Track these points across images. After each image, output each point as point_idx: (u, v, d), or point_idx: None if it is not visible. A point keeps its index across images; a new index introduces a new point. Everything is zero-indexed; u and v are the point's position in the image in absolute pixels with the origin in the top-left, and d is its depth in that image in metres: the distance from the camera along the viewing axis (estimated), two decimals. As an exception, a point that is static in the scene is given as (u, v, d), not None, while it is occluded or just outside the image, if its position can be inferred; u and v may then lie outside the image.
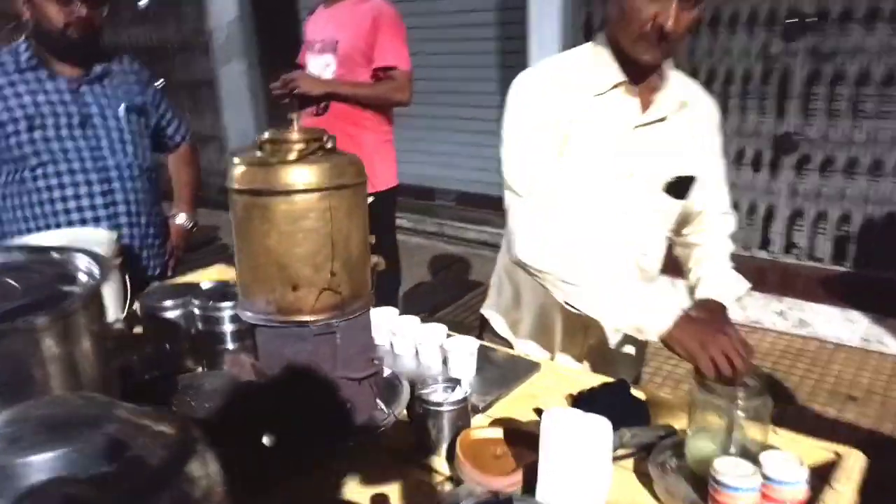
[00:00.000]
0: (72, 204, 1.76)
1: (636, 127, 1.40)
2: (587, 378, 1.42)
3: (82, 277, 0.88)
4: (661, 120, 1.41)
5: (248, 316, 1.17)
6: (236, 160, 1.13)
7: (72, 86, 1.79)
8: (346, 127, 2.64)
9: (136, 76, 1.96)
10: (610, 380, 1.36)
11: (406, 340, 1.49)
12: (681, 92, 1.43)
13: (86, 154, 1.77)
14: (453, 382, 1.26)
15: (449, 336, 1.50)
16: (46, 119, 1.72)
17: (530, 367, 1.45)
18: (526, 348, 1.62)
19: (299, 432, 1.17)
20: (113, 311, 1.41)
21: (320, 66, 2.65)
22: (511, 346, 1.64)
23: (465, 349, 1.40)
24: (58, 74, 1.77)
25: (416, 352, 1.49)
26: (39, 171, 1.73)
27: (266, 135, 1.16)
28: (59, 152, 1.74)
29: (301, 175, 1.10)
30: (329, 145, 1.15)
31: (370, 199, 2.90)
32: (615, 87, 1.38)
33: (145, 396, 1.17)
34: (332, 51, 2.61)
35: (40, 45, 1.76)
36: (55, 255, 0.90)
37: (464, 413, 1.21)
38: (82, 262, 0.89)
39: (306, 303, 1.14)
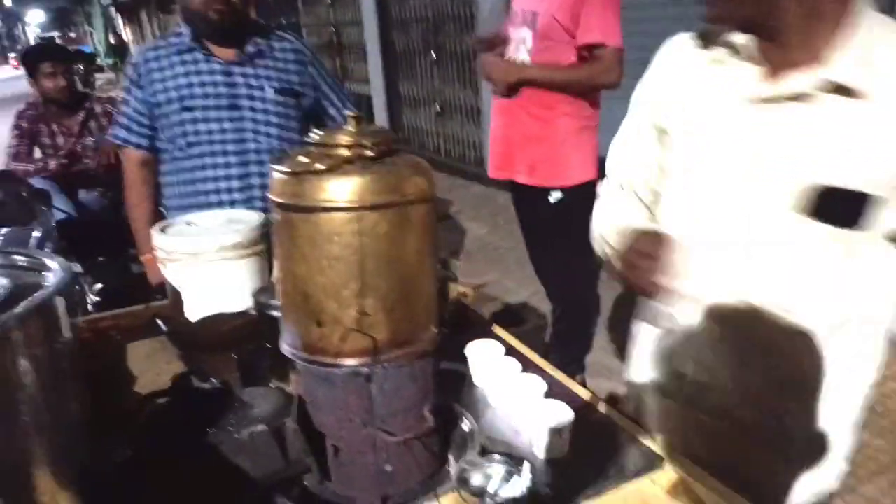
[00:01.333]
0: (211, 185, 1.82)
1: (756, 101, 1.03)
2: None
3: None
4: (800, 98, 0.99)
5: (283, 346, 1.02)
6: (276, 167, 0.97)
7: (224, 67, 1.82)
8: (539, 111, 2.35)
9: (295, 55, 1.94)
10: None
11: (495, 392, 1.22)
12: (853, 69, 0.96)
13: (230, 136, 1.80)
14: (515, 464, 0.97)
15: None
16: (197, 100, 1.78)
17: (645, 462, 1.08)
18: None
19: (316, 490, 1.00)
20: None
21: (517, 41, 2.38)
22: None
23: (545, 418, 1.09)
24: (212, 56, 1.82)
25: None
26: (190, 152, 1.81)
27: (313, 136, 0.98)
28: (205, 133, 1.80)
29: (325, 189, 0.90)
30: (374, 152, 0.93)
31: (557, 197, 2.60)
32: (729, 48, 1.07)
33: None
34: (530, 24, 2.32)
35: (196, 29, 1.82)
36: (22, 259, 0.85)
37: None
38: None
39: (330, 342, 0.95)
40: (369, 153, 0.92)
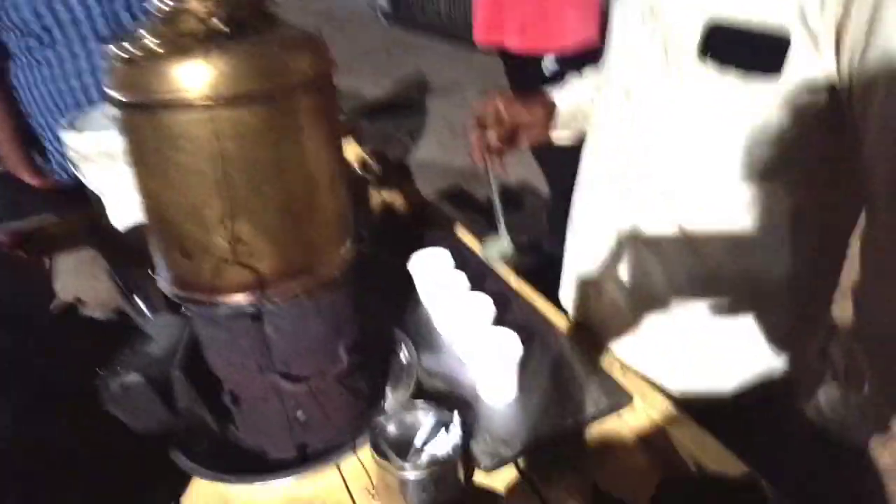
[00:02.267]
0: (83, 81, 1.54)
1: None
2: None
3: None
4: None
5: (159, 280, 0.82)
6: (111, 50, 0.72)
7: None
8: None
9: None
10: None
11: (441, 313, 1.03)
12: None
13: (98, 17, 1.51)
14: (444, 415, 0.79)
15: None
16: None
17: (616, 399, 0.89)
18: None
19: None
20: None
21: None
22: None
23: (488, 352, 0.89)
24: None
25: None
26: (50, 43, 1.51)
27: (159, 3, 0.72)
28: (66, 15, 1.49)
29: (167, 79, 0.66)
30: (233, 25, 0.68)
31: (552, 68, 2.30)
32: None
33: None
34: None
35: None
36: None
37: (446, 479, 0.75)
38: None
39: (202, 276, 0.75)
40: (224, 27, 0.67)
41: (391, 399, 0.95)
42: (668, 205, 0.86)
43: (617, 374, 0.91)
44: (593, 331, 1.02)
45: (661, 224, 0.88)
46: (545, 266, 1.30)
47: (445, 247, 1.15)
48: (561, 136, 1.09)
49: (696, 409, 0.87)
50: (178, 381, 0.82)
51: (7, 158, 1.70)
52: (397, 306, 1.10)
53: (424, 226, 1.32)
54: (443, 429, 0.79)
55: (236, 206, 0.71)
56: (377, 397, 0.95)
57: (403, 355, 0.99)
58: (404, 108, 4.71)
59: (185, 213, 0.72)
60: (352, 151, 1.66)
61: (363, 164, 1.38)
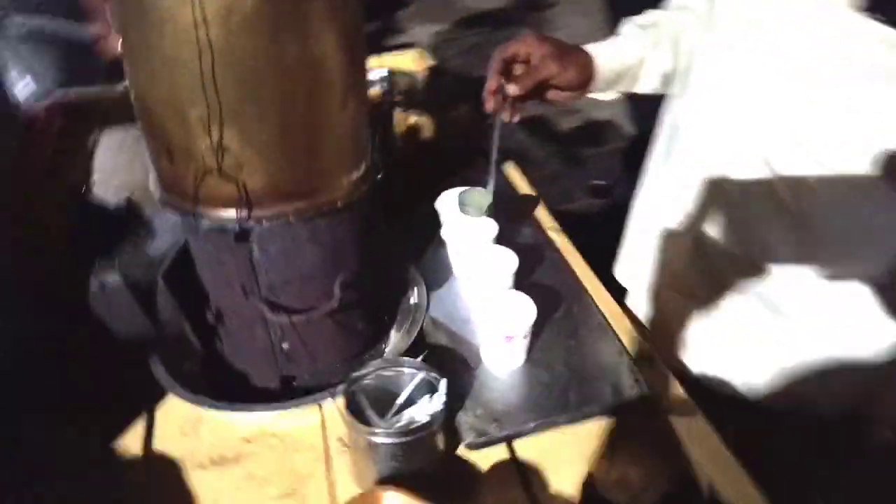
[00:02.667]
0: None
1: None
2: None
3: None
4: None
5: (150, 182, 0.75)
6: None
7: None
8: None
9: None
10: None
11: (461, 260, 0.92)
12: None
13: None
14: (432, 376, 0.70)
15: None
16: None
17: (636, 394, 0.77)
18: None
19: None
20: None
21: None
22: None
23: (495, 314, 0.78)
24: None
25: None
26: None
27: None
28: None
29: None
30: None
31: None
32: None
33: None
34: None
35: None
36: None
37: (420, 449, 0.67)
38: None
39: (186, 183, 0.67)
40: None
41: (394, 343, 0.87)
42: (777, 181, 0.73)
43: (645, 367, 0.79)
44: (639, 316, 0.90)
45: (761, 201, 0.75)
46: (611, 215, 1.18)
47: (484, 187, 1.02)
48: (599, 96, 0.93)
49: (753, 416, 0.76)
50: (160, 290, 0.77)
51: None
52: (420, 247, 1.00)
53: (465, 161, 1.20)
54: (430, 392, 0.70)
55: (224, 109, 0.61)
56: (378, 339, 0.88)
57: (413, 298, 0.90)
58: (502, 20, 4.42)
59: (170, 111, 0.63)
60: (401, 60, 1.52)
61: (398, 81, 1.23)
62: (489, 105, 0.87)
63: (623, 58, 0.90)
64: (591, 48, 0.90)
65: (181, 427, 0.78)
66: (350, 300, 0.79)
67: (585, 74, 0.88)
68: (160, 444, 0.77)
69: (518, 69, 0.85)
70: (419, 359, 0.82)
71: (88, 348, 0.80)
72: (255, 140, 0.64)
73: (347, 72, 0.67)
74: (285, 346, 0.79)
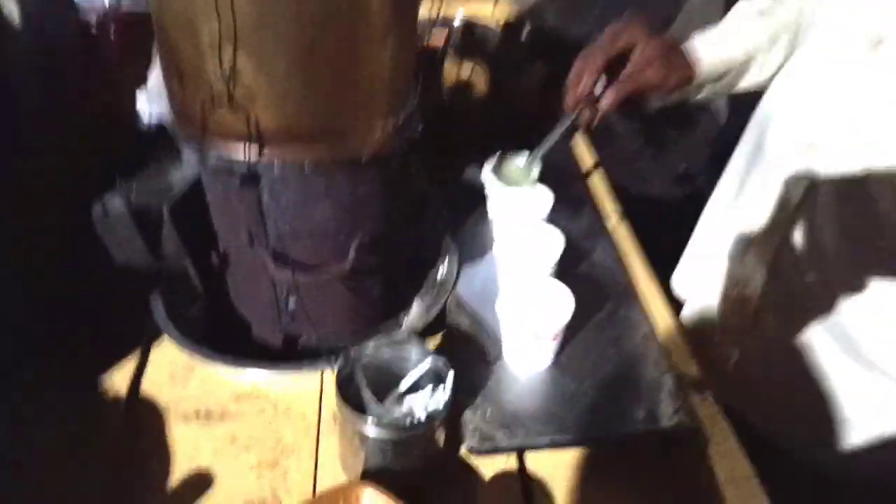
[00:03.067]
0: None
1: None
2: None
3: None
4: None
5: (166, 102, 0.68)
6: None
7: None
8: None
9: None
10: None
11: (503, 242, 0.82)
12: None
13: None
14: (441, 366, 0.62)
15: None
16: None
17: (674, 424, 0.66)
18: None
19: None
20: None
21: None
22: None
23: (522, 305, 0.68)
24: None
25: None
26: None
27: None
28: None
29: None
30: None
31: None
32: None
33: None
34: None
35: None
36: None
37: (414, 446, 0.59)
38: None
39: (193, 108, 0.60)
40: None
41: (412, 318, 0.78)
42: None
43: (691, 395, 0.67)
44: (694, 333, 0.78)
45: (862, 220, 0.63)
46: (688, 211, 1.05)
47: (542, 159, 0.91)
48: (693, 96, 0.79)
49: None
50: (166, 222, 0.70)
51: None
52: (461, 216, 0.90)
53: (527, 131, 1.09)
54: (435, 383, 0.62)
55: (238, 26, 0.53)
56: (397, 310, 0.79)
57: (442, 272, 0.81)
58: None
59: (182, 26, 0.55)
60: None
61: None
62: (570, 105, 0.76)
63: (731, 53, 0.76)
64: (699, 46, 0.75)
65: (172, 373, 0.73)
66: (366, 265, 0.71)
67: (685, 78, 0.75)
68: (148, 387, 0.72)
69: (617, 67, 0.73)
70: (434, 343, 0.74)
71: (92, 276, 0.75)
72: (271, 67, 0.55)
73: (392, 2, 0.57)
74: (291, 303, 0.72)
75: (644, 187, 1.12)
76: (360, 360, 0.63)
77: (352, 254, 0.67)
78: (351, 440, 0.60)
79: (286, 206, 0.64)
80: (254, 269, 0.70)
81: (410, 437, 0.58)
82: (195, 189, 0.71)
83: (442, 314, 0.76)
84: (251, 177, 0.62)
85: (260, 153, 0.60)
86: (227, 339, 0.75)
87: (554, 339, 0.65)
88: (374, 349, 0.64)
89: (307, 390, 0.72)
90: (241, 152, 0.59)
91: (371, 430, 0.56)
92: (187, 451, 0.66)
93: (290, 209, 0.64)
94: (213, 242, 0.73)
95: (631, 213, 0.94)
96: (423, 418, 0.59)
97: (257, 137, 0.59)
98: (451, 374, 0.60)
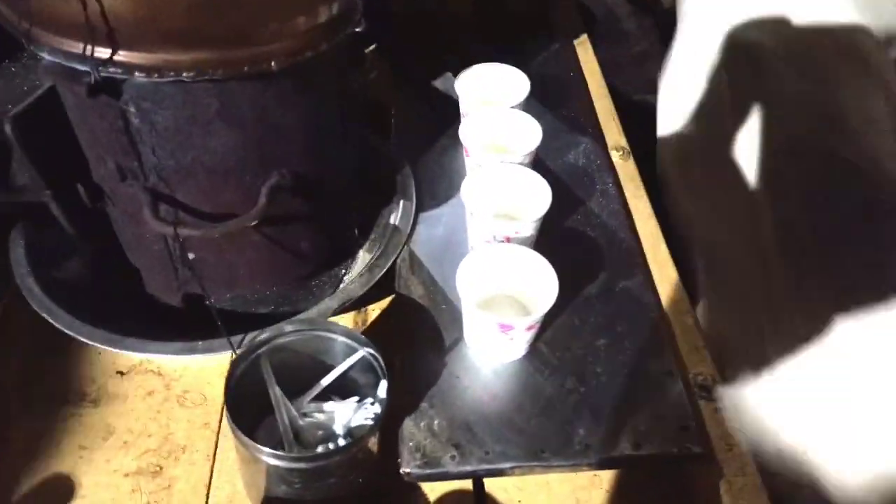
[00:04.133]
0: None
1: None
2: None
3: None
4: None
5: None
6: None
7: None
8: None
9: None
10: None
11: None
12: None
13: None
14: (374, 362, 0.45)
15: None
16: None
17: (678, 446, 0.51)
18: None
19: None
20: None
21: None
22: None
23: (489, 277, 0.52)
24: None
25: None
26: None
27: None
28: None
29: None
30: None
31: None
32: None
33: None
34: None
35: None
36: None
37: (333, 473, 0.43)
38: None
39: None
40: None
41: (359, 267, 0.61)
42: None
43: (703, 404, 0.52)
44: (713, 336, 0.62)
45: None
46: None
47: (539, 71, 0.72)
48: None
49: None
50: (11, 140, 0.51)
51: None
52: (424, 146, 0.71)
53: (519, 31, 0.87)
54: (366, 383, 0.46)
55: None
56: (336, 263, 0.62)
57: (395, 217, 0.63)
58: None
59: None
60: None
61: None
62: None
63: None
64: None
65: (33, 342, 0.57)
66: (287, 210, 0.53)
67: None
68: (13, 359, 0.56)
69: None
70: (376, 312, 0.58)
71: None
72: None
73: None
74: (191, 255, 0.54)
75: (653, 95, 0.94)
76: (268, 348, 0.47)
77: (263, 199, 0.49)
78: (247, 463, 0.44)
79: (165, 132, 0.45)
80: (134, 211, 0.52)
81: (325, 465, 0.42)
82: (52, 99, 0.51)
83: (391, 274, 0.59)
84: (106, 87, 0.42)
85: (113, 54, 0.40)
86: (112, 297, 0.58)
87: (528, 330, 0.49)
88: (287, 334, 0.47)
89: (211, 365, 0.56)
90: (79, 50, 0.40)
91: (269, 459, 0.41)
92: (43, 448, 0.51)
93: (172, 136, 0.45)
94: (86, 172, 0.54)
95: (642, 137, 0.76)
96: (342, 439, 0.43)
97: (106, 31, 0.39)
98: (383, 385, 0.44)
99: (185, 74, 0.41)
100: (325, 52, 0.46)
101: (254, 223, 0.49)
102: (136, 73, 0.41)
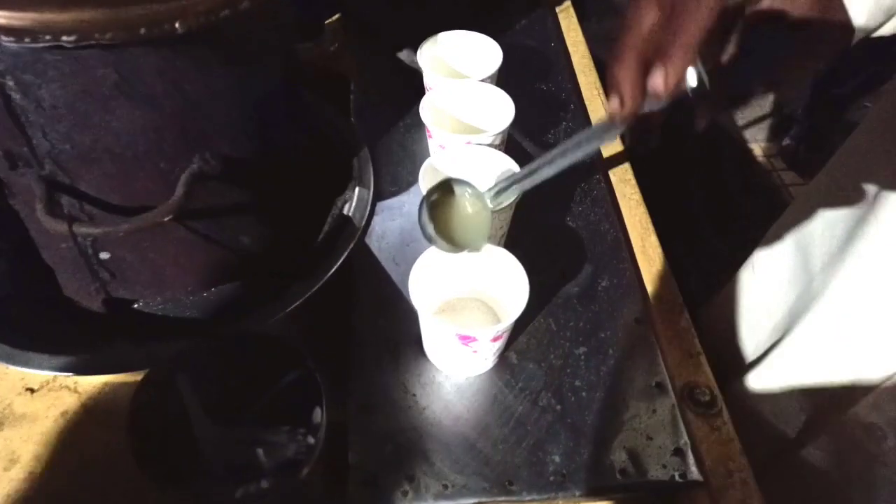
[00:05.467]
0: None
1: None
2: None
3: None
4: None
5: None
6: None
7: None
8: None
9: None
10: None
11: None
12: None
13: None
14: (311, 381, 0.38)
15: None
16: None
17: (668, 474, 0.44)
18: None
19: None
20: None
21: None
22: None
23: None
24: None
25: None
26: None
27: None
28: None
29: None
30: None
31: None
32: None
33: None
34: None
35: None
36: None
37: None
38: None
39: None
40: None
41: (310, 264, 0.54)
42: None
43: (702, 422, 0.45)
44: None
45: None
46: None
47: (507, 39, 0.64)
48: None
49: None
50: None
51: None
52: (383, 123, 0.63)
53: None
54: (303, 407, 0.39)
55: None
56: (286, 257, 0.55)
57: (349, 206, 0.55)
58: None
59: None
60: None
61: None
62: (614, 109, 0.40)
63: None
64: None
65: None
66: (216, 202, 0.45)
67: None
68: None
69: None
70: (323, 316, 0.51)
71: None
72: None
73: None
74: (103, 255, 0.47)
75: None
76: (187, 364, 0.40)
77: (180, 188, 0.41)
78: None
79: (54, 110, 0.37)
80: (28, 197, 0.44)
81: (249, 506, 0.35)
82: None
83: (343, 273, 0.51)
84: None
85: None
86: (23, 301, 0.51)
87: (494, 341, 0.42)
88: (210, 348, 0.40)
89: (138, 379, 0.49)
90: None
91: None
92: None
93: (63, 115, 0.38)
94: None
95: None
96: (270, 479, 0.36)
97: (-44, -20, 0.31)
98: (317, 413, 0.37)
99: (64, 38, 0.34)
100: (249, 10, 0.38)
101: (169, 217, 0.41)
102: (3, 38, 0.33)
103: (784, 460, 0.57)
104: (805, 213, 0.59)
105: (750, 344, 0.66)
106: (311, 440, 0.37)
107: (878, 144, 0.51)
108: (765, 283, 0.65)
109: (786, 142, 1.63)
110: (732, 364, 0.66)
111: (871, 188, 0.50)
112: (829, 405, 0.54)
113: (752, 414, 0.59)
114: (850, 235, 0.51)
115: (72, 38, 0.34)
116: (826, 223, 0.56)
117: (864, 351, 0.51)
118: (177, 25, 0.35)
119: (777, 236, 0.64)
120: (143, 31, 0.35)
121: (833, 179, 0.57)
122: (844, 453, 0.54)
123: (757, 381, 0.59)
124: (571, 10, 0.82)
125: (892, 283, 0.48)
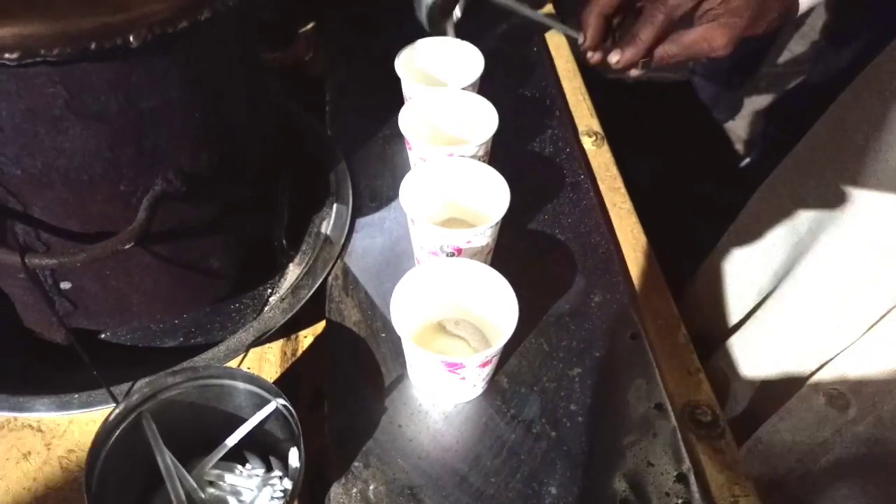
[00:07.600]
0: None
1: None
2: None
3: None
4: None
5: None
6: None
7: None
8: None
9: None
10: None
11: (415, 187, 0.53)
12: None
13: None
14: (289, 419, 0.35)
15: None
16: None
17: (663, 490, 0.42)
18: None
19: None
20: None
21: None
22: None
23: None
24: None
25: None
26: None
27: None
28: None
29: None
30: None
31: None
32: None
33: None
34: None
35: None
36: None
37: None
38: None
39: None
40: None
41: (288, 285, 0.51)
42: None
43: (704, 444, 0.43)
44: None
45: None
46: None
47: (492, 46, 0.62)
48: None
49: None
50: None
51: None
52: (362, 136, 0.61)
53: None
54: (281, 443, 0.36)
55: None
56: (259, 281, 0.52)
57: (326, 225, 0.53)
58: None
59: None
60: None
61: None
62: (590, 43, 0.48)
63: None
64: None
65: None
66: (182, 223, 0.43)
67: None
68: None
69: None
70: (305, 342, 0.48)
71: None
72: None
73: None
74: (64, 285, 0.44)
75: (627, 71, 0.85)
76: (153, 404, 0.37)
77: (142, 213, 0.38)
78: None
79: (0, 132, 0.35)
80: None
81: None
82: None
83: (321, 295, 0.49)
84: None
85: None
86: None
87: (483, 366, 0.39)
88: (176, 386, 0.37)
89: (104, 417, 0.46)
90: None
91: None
92: None
93: (11, 137, 0.35)
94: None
95: (615, 118, 0.67)
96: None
97: None
98: (294, 454, 0.34)
99: (6, 56, 0.31)
100: (210, 20, 0.36)
101: (130, 245, 0.38)
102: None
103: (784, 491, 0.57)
104: (799, 176, 0.59)
105: (736, 310, 0.66)
106: (288, 484, 0.34)
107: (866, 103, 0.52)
108: (749, 249, 0.65)
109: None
110: (716, 335, 0.66)
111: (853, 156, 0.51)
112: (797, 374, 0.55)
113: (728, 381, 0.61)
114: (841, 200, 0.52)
115: (14, 56, 0.31)
116: (818, 182, 0.56)
117: (840, 313, 0.52)
118: (131, 38, 0.33)
119: (764, 199, 0.65)
120: (93, 45, 0.32)
121: (820, 145, 0.58)
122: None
123: (742, 344, 0.60)
124: (554, 13, 0.80)
125: (875, 245, 0.49)
